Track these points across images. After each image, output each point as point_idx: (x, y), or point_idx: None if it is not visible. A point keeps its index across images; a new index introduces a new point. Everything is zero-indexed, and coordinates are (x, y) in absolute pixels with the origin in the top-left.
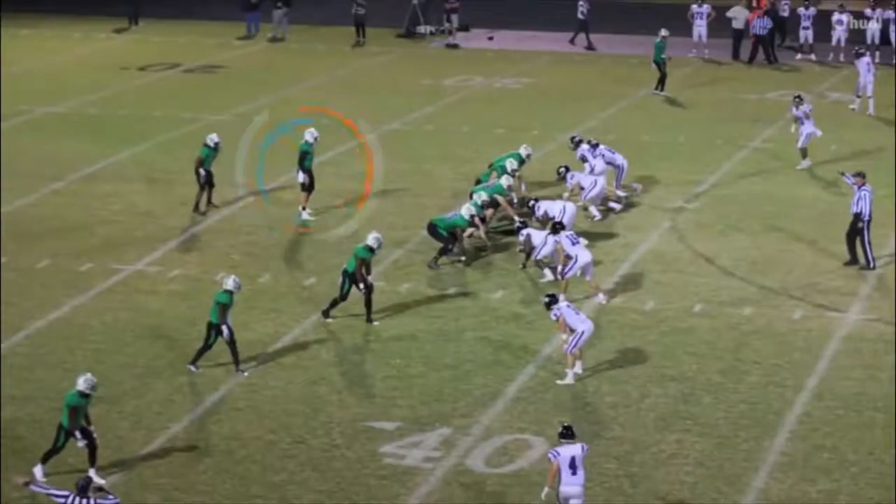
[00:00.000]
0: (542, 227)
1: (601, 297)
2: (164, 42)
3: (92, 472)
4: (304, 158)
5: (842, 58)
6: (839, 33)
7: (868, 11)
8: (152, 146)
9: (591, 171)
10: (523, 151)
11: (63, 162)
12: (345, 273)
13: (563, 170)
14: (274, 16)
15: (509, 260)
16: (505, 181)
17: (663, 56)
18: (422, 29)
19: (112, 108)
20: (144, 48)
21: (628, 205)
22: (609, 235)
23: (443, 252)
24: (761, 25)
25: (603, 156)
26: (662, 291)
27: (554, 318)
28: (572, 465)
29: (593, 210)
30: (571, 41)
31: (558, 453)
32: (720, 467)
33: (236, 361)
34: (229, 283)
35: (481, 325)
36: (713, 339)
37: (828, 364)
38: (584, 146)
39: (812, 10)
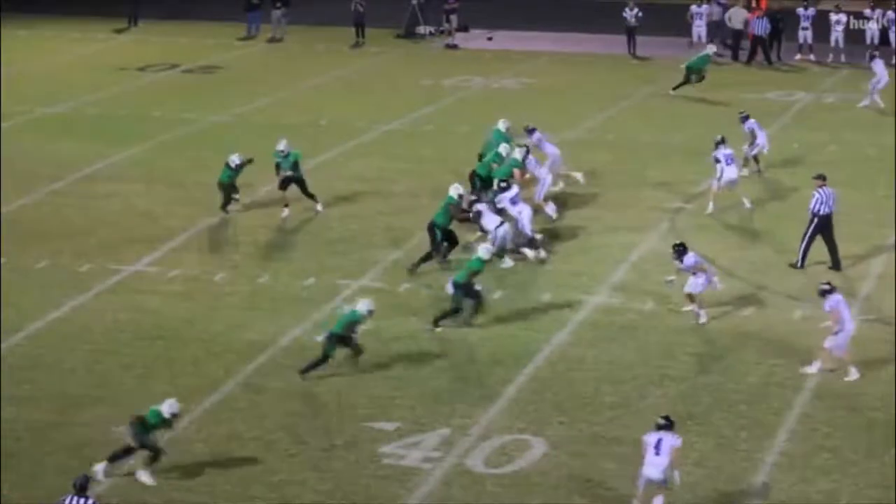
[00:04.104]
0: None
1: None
2: (164, 42)
3: (143, 473)
4: (281, 167)
5: (842, 58)
6: (837, 34)
7: (867, 12)
8: (152, 146)
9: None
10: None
11: (62, 162)
12: (456, 285)
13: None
14: (272, 16)
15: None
16: (518, 153)
17: (702, 70)
18: (421, 29)
19: (111, 108)
20: (144, 49)
21: (627, 205)
22: (608, 235)
23: (426, 259)
24: (761, 27)
25: (540, 142)
26: (662, 292)
27: (828, 308)
28: (657, 447)
29: (549, 210)
30: (632, 53)
31: (648, 435)
32: (720, 467)
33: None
34: (362, 307)
35: (480, 325)
36: (713, 339)
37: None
38: (537, 134)
39: (811, 11)
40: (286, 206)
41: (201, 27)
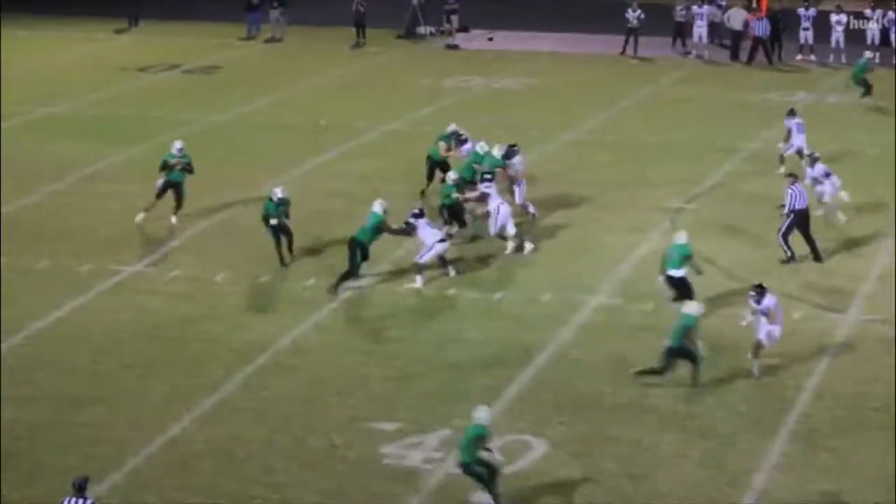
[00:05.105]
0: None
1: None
2: (164, 43)
3: (482, 496)
4: (164, 166)
5: (843, 59)
6: (838, 34)
7: (868, 12)
8: (152, 147)
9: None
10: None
11: (62, 162)
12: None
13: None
14: (270, 16)
15: (508, 260)
16: (497, 151)
17: (863, 75)
18: (422, 30)
19: (112, 108)
20: (144, 49)
21: (628, 205)
22: (609, 236)
23: (345, 277)
24: (761, 28)
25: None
26: (663, 292)
27: None
28: None
29: (531, 208)
30: (623, 52)
31: None
32: (721, 468)
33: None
34: (692, 309)
35: (481, 325)
36: (714, 339)
37: (828, 365)
38: (468, 145)
39: (812, 11)
40: (146, 210)
41: (202, 27)
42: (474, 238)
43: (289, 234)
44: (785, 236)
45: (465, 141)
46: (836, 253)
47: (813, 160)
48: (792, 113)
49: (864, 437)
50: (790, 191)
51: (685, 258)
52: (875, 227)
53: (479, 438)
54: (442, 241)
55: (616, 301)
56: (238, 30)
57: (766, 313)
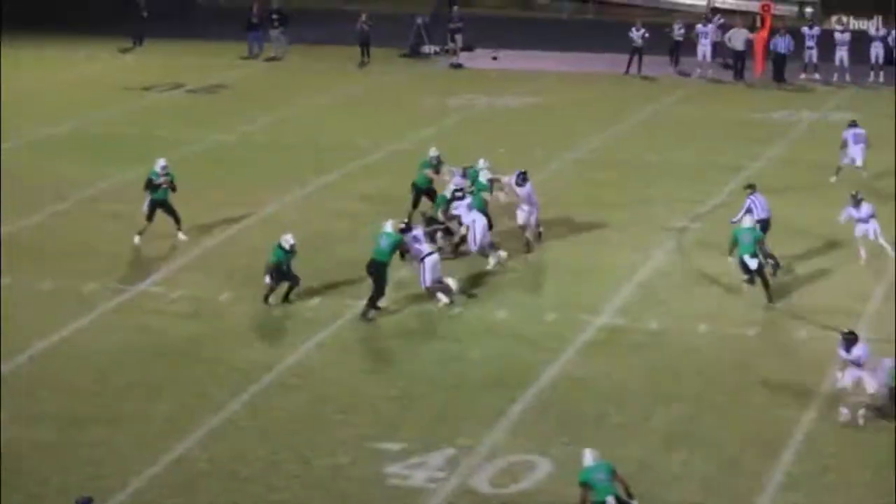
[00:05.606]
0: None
1: None
2: (168, 62)
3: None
4: (149, 185)
5: (847, 77)
6: (842, 53)
7: (872, 31)
8: None
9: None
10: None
11: (66, 182)
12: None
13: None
14: (270, 35)
15: (510, 279)
16: (483, 176)
17: None
18: (426, 49)
19: (115, 127)
20: (148, 68)
21: (632, 224)
22: (613, 255)
23: (373, 303)
24: (784, 44)
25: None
26: (667, 311)
27: None
28: None
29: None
30: (627, 72)
31: None
32: (726, 487)
33: None
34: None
35: (484, 344)
36: (718, 358)
37: (832, 384)
38: (458, 178)
39: (816, 30)
40: (140, 234)
41: (205, 47)
42: (467, 254)
43: (295, 280)
44: (761, 250)
45: (464, 176)
46: (842, 272)
47: (857, 201)
48: (853, 124)
49: (868, 456)
50: (748, 201)
51: (757, 240)
52: (878, 245)
53: (615, 471)
54: (430, 254)
55: (619, 321)
56: (240, 49)
57: (857, 363)
